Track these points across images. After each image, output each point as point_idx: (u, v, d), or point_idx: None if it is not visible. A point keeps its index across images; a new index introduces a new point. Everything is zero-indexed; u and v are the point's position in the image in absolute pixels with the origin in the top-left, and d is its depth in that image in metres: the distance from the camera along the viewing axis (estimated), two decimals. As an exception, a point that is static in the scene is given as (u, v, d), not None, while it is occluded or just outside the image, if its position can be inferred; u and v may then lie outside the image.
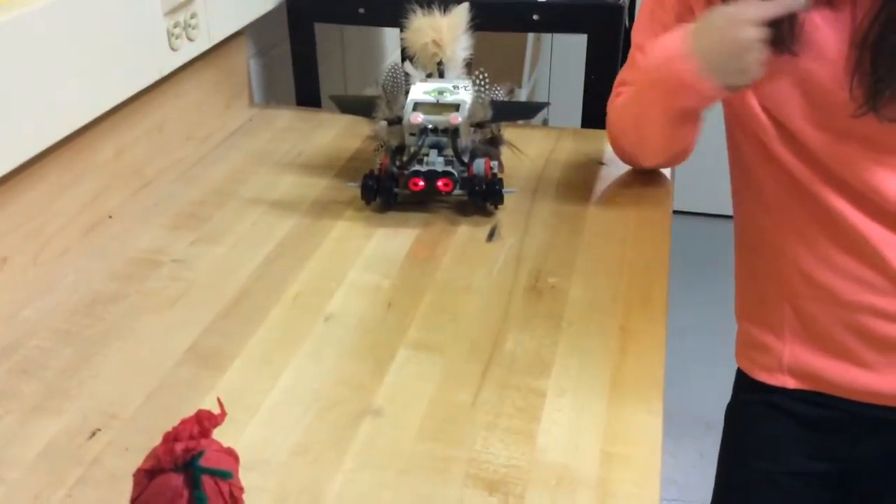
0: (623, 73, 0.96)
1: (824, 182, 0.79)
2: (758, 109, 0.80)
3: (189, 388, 0.69)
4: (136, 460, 0.59)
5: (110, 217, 0.95)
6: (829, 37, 0.75)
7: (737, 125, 0.86)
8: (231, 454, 0.49)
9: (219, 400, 0.49)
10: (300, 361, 0.72)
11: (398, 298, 0.80)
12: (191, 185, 1.02)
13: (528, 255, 0.86)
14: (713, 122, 0.91)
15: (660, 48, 0.81)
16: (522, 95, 2.22)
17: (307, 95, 1.28)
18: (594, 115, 1.16)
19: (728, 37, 0.74)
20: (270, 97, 1.33)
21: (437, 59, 0.98)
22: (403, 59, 1.03)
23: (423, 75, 0.98)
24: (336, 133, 1.16)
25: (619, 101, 0.94)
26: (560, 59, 2.70)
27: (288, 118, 1.21)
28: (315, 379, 0.70)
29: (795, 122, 0.78)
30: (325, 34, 1.34)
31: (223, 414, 0.47)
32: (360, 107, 0.98)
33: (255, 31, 1.25)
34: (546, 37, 2.61)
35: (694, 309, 2.12)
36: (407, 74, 0.98)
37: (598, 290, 0.81)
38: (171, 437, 0.47)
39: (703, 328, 1.98)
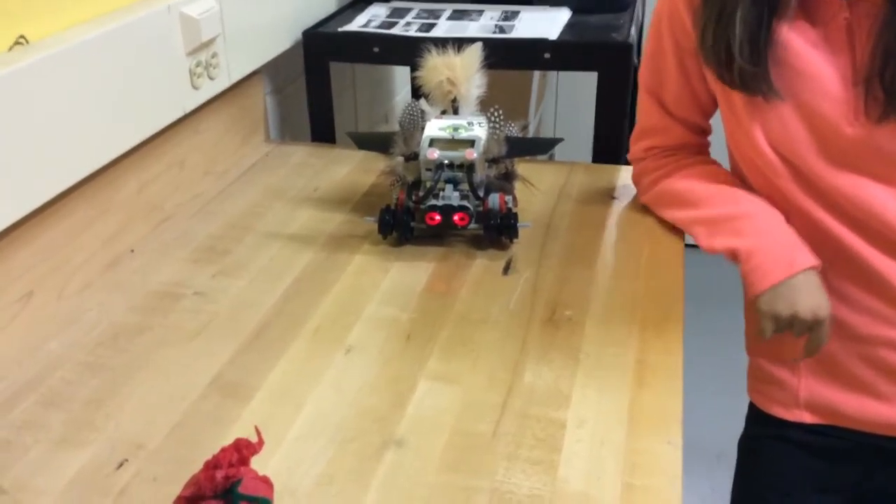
0: (641, 121, 0.97)
1: (837, 218, 0.80)
2: (768, 150, 0.81)
3: (213, 419, 0.70)
4: (164, 490, 0.60)
5: (132, 251, 0.97)
6: (831, 75, 0.77)
7: (746, 168, 0.88)
8: (267, 482, 0.50)
9: (256, 429, 0.50)
10: (322, 393, 0.73)
11: (417, 331, 0.81)
12: (210, 220, 1.04)
13: (544, 288, 0.88)
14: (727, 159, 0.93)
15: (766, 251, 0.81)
16: (528, 131, 2.24)
17: (322, 131, 1.30)
18: (605, 151, 1.18)
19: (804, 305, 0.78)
20: (286, 133, 1.35)
21: (452, 97, 1.00)
22: (416, 97, 1.05)
23: (437, 112, 1.00)
24: (351, 168, 1.18)
25: (650, 187, 0.96)
26: (566, 93, 2.73)
27: (303, 154, 1.23)
28: (337, 411, 0.71)
29: (807, 160, 0.80)
30: (338, 71, 1.37)
31: (261, 442, 0.48)
32: (377, 143, 1.00)
33: (272, 69, 1.27)
34: (552, 72, 2.64)
35: (703, 340, 2.11)
36: (422, 111, 1.00)
37: (613, 322, 0.82)
38: (211, 465, 0.48)
39: (712, 359, 1.98)
